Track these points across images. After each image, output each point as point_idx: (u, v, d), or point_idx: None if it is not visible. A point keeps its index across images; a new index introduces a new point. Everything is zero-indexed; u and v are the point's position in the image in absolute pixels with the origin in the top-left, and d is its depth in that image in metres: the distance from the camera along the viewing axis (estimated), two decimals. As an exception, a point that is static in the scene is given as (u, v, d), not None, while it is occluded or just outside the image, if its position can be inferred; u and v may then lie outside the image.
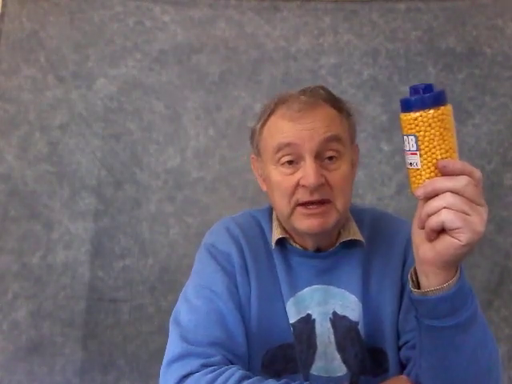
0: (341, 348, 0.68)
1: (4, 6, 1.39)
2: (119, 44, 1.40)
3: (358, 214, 0.74)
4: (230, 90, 1.39)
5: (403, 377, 0.64)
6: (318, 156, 0.64)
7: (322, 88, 0.68)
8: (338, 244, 0.70)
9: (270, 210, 0.76)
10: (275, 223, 0.73)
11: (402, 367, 0.68)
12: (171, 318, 0.66)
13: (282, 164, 0.66)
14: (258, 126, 0.71)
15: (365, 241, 0.71)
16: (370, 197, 1.35)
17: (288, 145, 0.64)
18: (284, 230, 0.71)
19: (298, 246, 0.71)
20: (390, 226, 0.75)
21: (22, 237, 1.33)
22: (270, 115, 0.69)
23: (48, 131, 1.37)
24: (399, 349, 0.68)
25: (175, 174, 1.37)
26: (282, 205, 0.67)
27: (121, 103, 1.38)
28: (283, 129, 0.65)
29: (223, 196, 1.35)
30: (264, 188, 0.73)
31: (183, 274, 0.74)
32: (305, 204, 0.64)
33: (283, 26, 1.41)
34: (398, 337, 0.68)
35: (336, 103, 0.68)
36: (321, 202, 0.64)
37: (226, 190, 1.35)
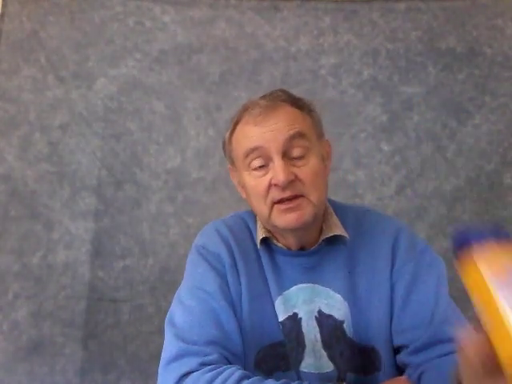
0: (327, 346, 0.69)
1: (4, 6, 1.39)
2: (119, 44, 1.40)
3: (340, 211, 0.75)
4: (230, 90, 1.39)
5: (402, 378, 0.64)
6: (285, 154, 0.66)
7: (281, 90, 0.71)
8: (320, 241, 0.71)
9: None
10: (259, 223, 0.74)
11: (396, 366, 0.68)
12: (166, 320, 0.68)
13: (254, 168, 0.68)
14: (227, 136, 0.73)
15: (349, 237, 0.71)
16: (369, 197, 1.35)
17: (255, 148, 0.66)
18: (267, 230, 0.73)
19: (281, 245, 0.72)
20: (375, 222, 0.75)
21: (22, 237, 1.33)
22: (236, 124, 0.71)
23: (48, 131, 1.37)
24: (395, 350, 0.68)
25: (175, 174, 1.37)
26: (260, 207, 0.68)
27: (121, 103, 1.38)
28: (248, 134, 0.67)
29: (223, 196, 1.35)
30: (243, 195, 0.75)
31: (183, 274, 0.74)
32: (280, 201, 0.66)
33: (283, 25, 1.41)
34: (391, 336, 0.68)
35: (295, 102, 0.70)
36: (294, 197, 0.66)
37: (225, 190, 1.35)
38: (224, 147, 0.76)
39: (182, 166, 1.37)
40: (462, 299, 0.64)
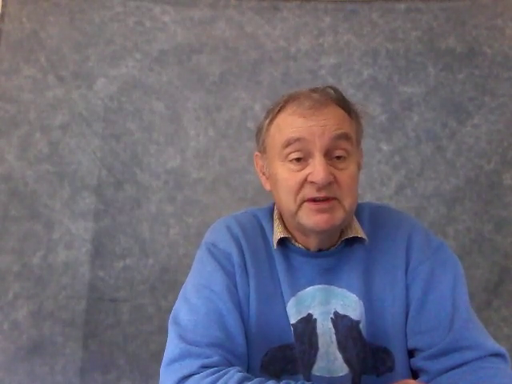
0: (342, 347, 0.67)
1: (4, 6, 1.39)
2: (119, 44, 1.40)
3: (356, 210, 0.73)
4: (230, 90, 1.39)
5: (412, 381, 0.62)
6: (327, 154, 0.64)
7: (333, 88, 0.68)
8: (340, 242, 0.70)
9: (271, 210, 0.76)
10: (276, 223, 0.72)
11: (409, 366, 0.68)
12: (170, 318, 0.67)
13: (290, 160, 0.65)
14: (266, 122, 0.70)
15: (366, 236, 0.70)
16: (369, 197, 1.35)
17: (298, 140, 0.64)
18: (286, 229, 0.71)
19: (300, 245, 0.71)
20: (390, 219, 0.74)
21: (22, 237, 1.33)
22: (279, 112, 0.68)
23: (48, 131, 1.37)
24: (410, 353, 0.68)
25: (175, 174, 1.37)
26: (288, 202, 0.66)
27: (121, 103, 1.39)
28: (293, 124, 0.65)
29: (223, 196, 1.35)
30: (267, 186, 0.73)
31: (183, 273, 0.74)
32: (311, 200, 0.64)
33: (283, 26, 1.41)
34: (406, 336, 0.68)
35: (345, 104, 0.68)
36: (328, 199, 0.64)
37: (225, 190, 1.36)
38: (259, 133, 0.73)
39: (182, 166, 1.37)
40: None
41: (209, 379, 0.57)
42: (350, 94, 1.38)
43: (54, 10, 1.40)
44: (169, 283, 1.32)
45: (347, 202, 0.65)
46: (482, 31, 1.38)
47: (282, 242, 0.71)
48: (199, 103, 1.39)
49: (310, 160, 0.64)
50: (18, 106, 1.37)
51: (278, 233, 0.70)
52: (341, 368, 0.67)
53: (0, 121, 1.37)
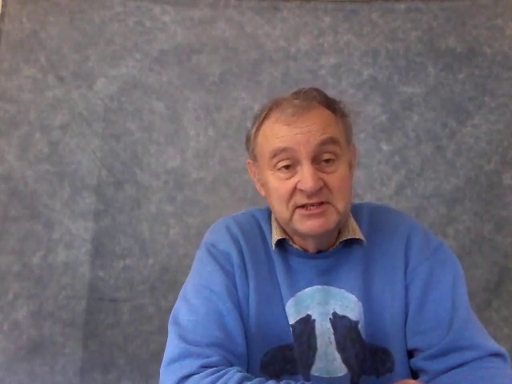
0: (341, 348, 0.67)
1: (4, 6, 1.39)
2: (119, 44, 1.40)
3: (354, 211, 0.74)
4: (230, 90, 1.39)
5: (411, 381, 0.62)
6: (315, 159, 0.64)
7: (316, 90, 0.68)
8: (338, 243, 0.70)
9: (270, 211, 0.76)
10: (274, 224, 0.73)
11: (409, 366, 0.68)
12: (170, 318, 0.67)
13: (279, 169, 0.65)
14: (253, 131, 0.70)
15: (364, 237, 0.70)
16: (369, 197, 1.35)
17: (284, 149, 0.64)
18: (283, 231, 0.71)
19: (298, 247, 0.71)
20: (389, 220, 0.74)
21: (22, 237, 1.33)
22: (264, 120, 0.68)
23: (48, 131, 1.37)
24: (409, 353, 0.68)
25: (175, 174, 1.37)
26: (280, 209, 0.67)
27: (121, 103, 1.39)
28: (278, 133, 0.65)
29: (223, 196, 1.36)
30: (262, 192, 0.73)
31: (183, 273, 0.74)
32: (303, 206, 0.64)
33: (283, 26, 1.41)
34: (405, 337, 0.68)
35: (330, 104, 0.68)
36: (320, 203, 0.64)
37: (226, 190, 1.36)
38: (248, 142, 0.73)
39: (182, 166, 1.37)
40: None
41: (209, 379, 0.57)
42: (350, 93, 1.38)
43: (54, 10, 1.40)
44: (169, 283, 1.32)
45: (340, 205, 0.65)
46: (482, 31, 1.38)
47: (281, 243, 0.71)
48: (199, 103, 1.39)
49: (299, 167, 0.64)
50: (17, 106, 1.37)
51: (276, 235, 0.71)
52: (339, 368, 0.67)
53: (0, 121, 1.37)
